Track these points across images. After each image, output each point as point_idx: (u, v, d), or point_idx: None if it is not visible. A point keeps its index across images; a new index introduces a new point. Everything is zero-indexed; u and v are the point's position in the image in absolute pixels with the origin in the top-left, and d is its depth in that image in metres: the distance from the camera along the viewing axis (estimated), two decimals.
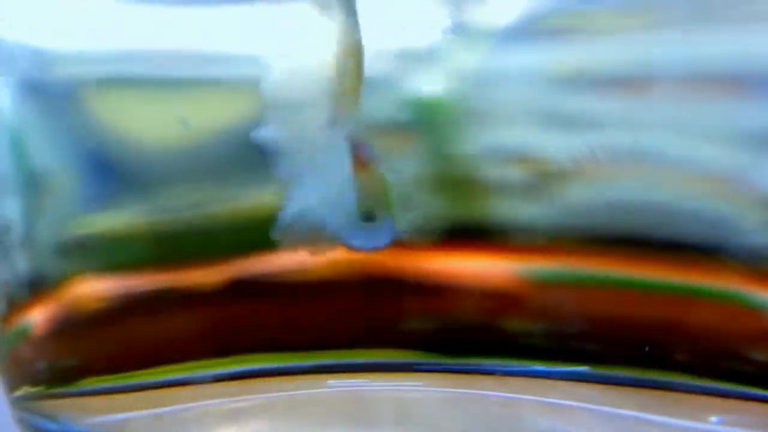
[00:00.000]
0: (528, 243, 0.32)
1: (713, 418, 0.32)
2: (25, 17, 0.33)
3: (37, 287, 0.35)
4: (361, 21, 0.31)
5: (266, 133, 0.31)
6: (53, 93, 0.34)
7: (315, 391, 0.35)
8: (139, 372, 0.35)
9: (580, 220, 0.32)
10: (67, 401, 0.35)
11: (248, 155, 0.32)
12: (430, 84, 0.32)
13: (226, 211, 0.34)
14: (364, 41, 0.31)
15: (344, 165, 0.31)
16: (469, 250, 0.33)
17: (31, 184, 0.35)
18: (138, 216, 0.34)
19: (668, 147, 0.31)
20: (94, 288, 0.35)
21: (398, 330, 0.34)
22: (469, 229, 0.33)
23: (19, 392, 0.36)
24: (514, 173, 0.32)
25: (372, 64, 0.31)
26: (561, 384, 0.33)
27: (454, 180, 0.32)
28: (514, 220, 0.32)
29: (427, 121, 0.32)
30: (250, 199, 0.34)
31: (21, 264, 0.35)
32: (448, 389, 0.34)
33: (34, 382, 0.36)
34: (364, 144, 0.31)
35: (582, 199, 0.32)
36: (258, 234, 0.34)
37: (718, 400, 0.33)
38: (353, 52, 0.31)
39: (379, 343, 0.35)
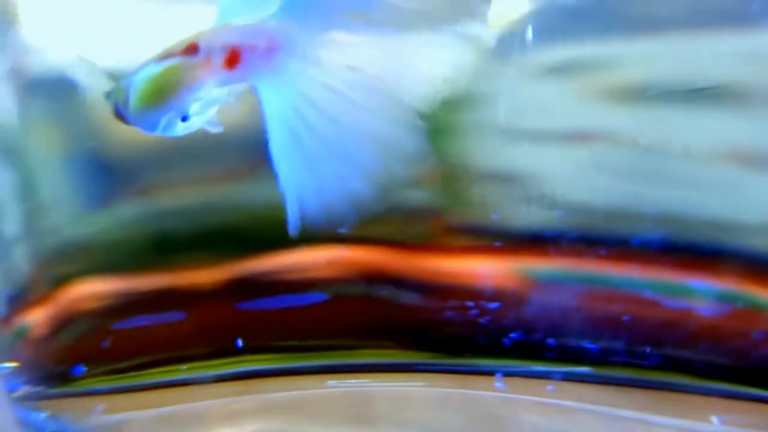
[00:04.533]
0: (528, 243, 0.32)
1: (713, 418, 0.32)
2: (27, 18, 0.33)
3: (36, 288, 0.35)
4: None
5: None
6: (52, 93, 0.34)
7: (315, 391, 0.35)
8: (139, 372, 0.35)
9: (581, 220, 0.32)
10: (67, 401, 0.35)
11: (248, 154, 0.32)
12: None
13: (226, 211, 0.34)
14: None
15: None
16: (470, 250, 0.33)
17: (31, 185, 0.35)
18: (138, 216, 0.34)
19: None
20: (94, 288, 0.35)
21: (398, 330, 0.34)
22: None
23: (19, 392, 0.36)
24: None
25: None
26: (561, 384, 0.33)
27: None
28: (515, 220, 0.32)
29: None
30: (251, 198, 0.34)
31: (21, 265, 0.35)
32: (448, 389, 0.34)
33: (34, 382, 0.36)
34: None
35: (583, 200, 0.32)
36: (258, 234, 0.34)
37: (718, 400, 0.33)
38: None
39: (379, 343, 0.35)
